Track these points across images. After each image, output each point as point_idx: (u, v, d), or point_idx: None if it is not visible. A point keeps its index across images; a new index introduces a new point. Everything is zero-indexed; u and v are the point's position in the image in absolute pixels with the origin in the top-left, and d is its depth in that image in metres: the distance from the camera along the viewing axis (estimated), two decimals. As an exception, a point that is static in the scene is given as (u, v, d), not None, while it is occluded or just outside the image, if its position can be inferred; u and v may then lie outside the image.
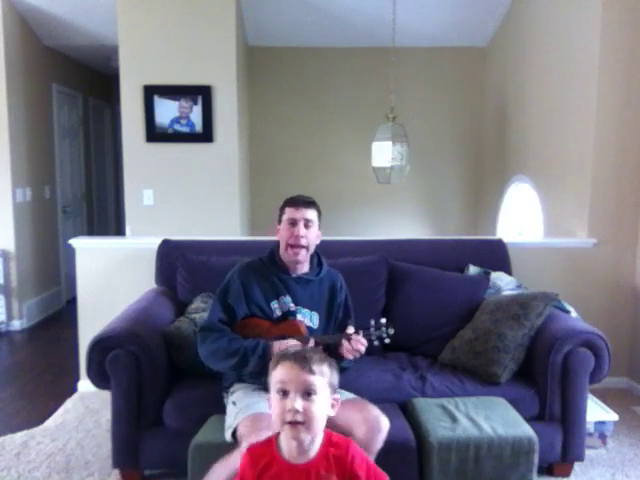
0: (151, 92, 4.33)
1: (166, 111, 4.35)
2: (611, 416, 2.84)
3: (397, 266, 3.07)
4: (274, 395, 1.46)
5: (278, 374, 1.46)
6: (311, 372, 1.44)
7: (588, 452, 2.69)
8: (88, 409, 3.29)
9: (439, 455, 2.18)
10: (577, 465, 2.65)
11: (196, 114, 4.36)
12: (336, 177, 5.65)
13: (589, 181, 3.55)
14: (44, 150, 5.43)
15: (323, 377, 1.46)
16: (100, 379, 2.42)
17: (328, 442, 1.49)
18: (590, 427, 2.78)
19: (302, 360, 1.46)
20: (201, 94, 4.34)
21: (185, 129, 4.39)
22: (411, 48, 5.30)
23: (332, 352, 2.22)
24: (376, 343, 2.21)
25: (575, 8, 3.76)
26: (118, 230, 7.29)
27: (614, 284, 3.61)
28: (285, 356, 1.49)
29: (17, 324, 4.91)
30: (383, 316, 2.92)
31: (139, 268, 3.37)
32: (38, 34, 5.20)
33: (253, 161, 5.58)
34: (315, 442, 1.48)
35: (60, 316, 5.45)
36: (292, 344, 2.13)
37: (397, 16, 4.34)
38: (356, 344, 2.15)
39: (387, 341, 2.21)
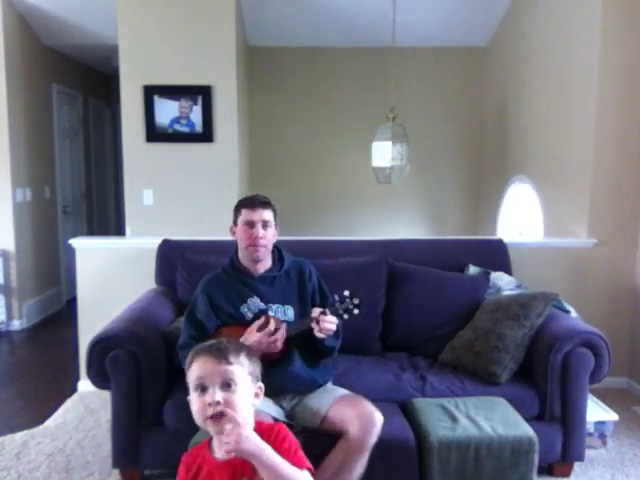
0: (151, 92, 4.32)
1: (166, 111, 4.35)
2: (611, 416, 2.84)
3: (397, 266, 3.07)
4: (192, 394, 1.41)
5: (194, 371, 1.41)
6: (228, 362, 1.39)
7: (588, 452, 2.69)
8: (88, 409, 3.29)
9: (439, 455, 2.18)
10: (577, 465, 2.65)
11: (196, 114, 4.36)
12: (336, 177, 5.65)
13: (589, 181, 3.55)
14: (44, 150, 5.43)
15: (242, 367, 1.42)
16: (100, 379, 2.42)
17: (257, 432, 1.41)
18: (590, 427, 2.78)
19: (217, 352, 1.41)
20: (201, 94, 4.34)
21: (185, 129, 4.39)
22: (411, 48, 5.30)
23: (311, 337, 2.22)
24: (346, 316, 2.19)
25: (575, 8, 3.76)
26: (118, 230, 7.29)
27: (614, 284, 3.61)
28: (198, 351, 1.43)
29: (17, 324, 4.91)
30: (383, 316, 2.95)
31: (139, 268, 3.37)
32: (38, 34, 5.20)
33: (253, 161, 5.58)
34: None
35: (60, 316, 5.45)
36: (253, 339, 2.14)
37: (397, 16, 4.34)
38: (323, 323, 2.13)
39: (356, 312, 2.18)
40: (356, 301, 2.18)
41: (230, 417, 1.34)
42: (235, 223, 2.40)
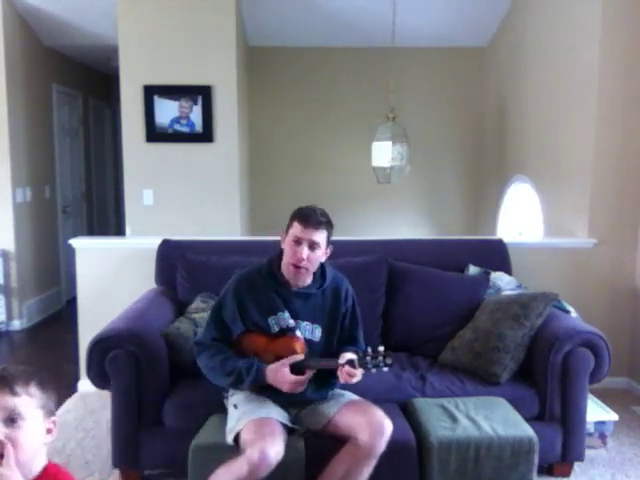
0: (151, 92, 4.32)
1: (166, 111, 4.35)
2: (611, 416, 2.84)
3: (397, 266, 3.06)
4: None
5: None
6: (14, 394, 1.20)
7: (588, 452, 2.68)
8: (88, 409, 3.29)
9: (439, 455, 2.18)
10: (577, 465, 2.65)
11: (196, 114, 4.36)
12: (336, 177, 5.65)
13: (589, 181, 3.54)
14: (44, 150, 5.43)
15: (32, 398, 1.23)
16: (100, 379, 2.42)
17: (45, 476, 1.25)
18: (590, 427, 2.78)
19: (1, 381, 1.21)
20: (201, 94, 4.34)
21: (185, 129, 4.39)
22: (411, 48, 5.30)
23: (329, 370, 2.17)
24: (373, 371, 2.08)
25: (575, 8, 3.76)
26: (118, 230, 7.28)
27: (614, 284, 3.61)
28: None
29: (17, 324, 4.91)
30: (383, 316, 2.94)
31: (139, 268, 3.37)
32: (38, 34, 5.20)
33: (253, 161, 5.58)
34: (27, 477, 1.23)
35: (60, 316, 5.45)
36: (285, 378, 2.07)
37: (397, 16, 4.34)
38: (349, 378, 2.06)
39: (385, 370, 2.07)
40: (389, 361, 2.05)
41: (6, 459, 1.16)
42: (286, 231, 2.25)
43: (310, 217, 2.20)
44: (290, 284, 2.26)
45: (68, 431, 3.02)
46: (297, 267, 2.19)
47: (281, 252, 2.29)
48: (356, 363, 2.05)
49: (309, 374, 2.12)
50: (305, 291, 2.27)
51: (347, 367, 2.05)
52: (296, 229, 2.19)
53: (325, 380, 2.24)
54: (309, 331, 2.26)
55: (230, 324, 2.24)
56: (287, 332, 2.23)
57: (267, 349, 2.21)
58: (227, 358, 2.18)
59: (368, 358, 2.05)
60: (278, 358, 2.15)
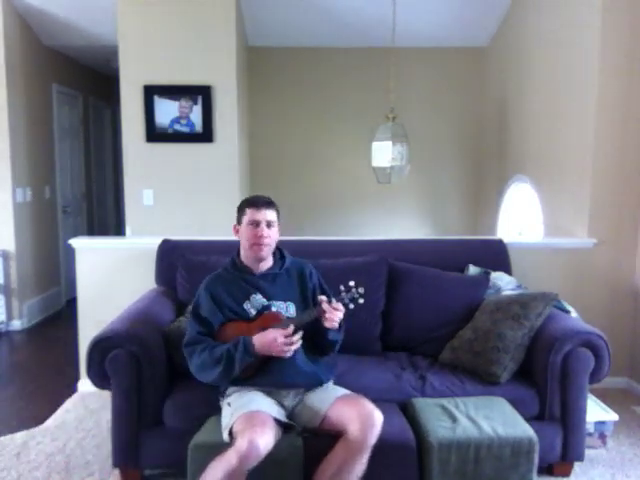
0: (151, 92, 4.33)
1: (166, 111, 4.35)
2: (611, 416, 2.84)
3: (397, 266, 3.07)
4: None
5: None
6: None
7: (588, 452, 2.69)
8: (88, 409, 3.29)
9: (439, 455, 2.18)
10: (577, 465, 2.65)
11: (196, 114, 4.36)
12: (336, 177, 5.65)
13: (589, 181, 3.54)
14: (44, 150, 5.43)
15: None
16: (100, 379, 2.42)
17: None
18: (590, 427, 2.78)
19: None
20: (201, 94, 4.34)
21: (185, 129, 4.39)
22: (411, 48, 5.30)
23: (315, 330, 2.23)
24: (351, 306, 2.21)
25: (575, 8, 3.76)
26: (118, 230, 7.29)
27: (614, 284, 3.61)
28: None
29: (17, 324, 4.91)
30: (383, 316, 2.95)
31: (139, 268, 3.37)
32: (38, 34, 5.20)
33: (253, 161, 5.58)
34: None
35: (60, 316, 5.45)
36: (271, 335, 2.15)
37: (397, 16, 4.33)
38: (331, 312, 2.16)
39: (361, 301, 2.21)
40: (361, 290, 2.20)
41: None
42: (239, 222, 2.41)
43: (259, 200, 2.39)
44: (254, 270, 2.40)
45: (68, 431, 3.03)
46: (260, 245, 2.33)
47: (238, 250, 2.44)
48: (334, 300, 2.18)
49: (299, 335, 2.18)
50: (270, 272, 2.41)
51: (326, 304, 2.16)
52: (250, 214, 2.36)
53: (313, 345, 2.31)
54: (283, 309, 2.35)
55: (209, 317, 2.33)
56: (264, 312, 2.32)
57: (251, 329, 2.27)
58: (214, 346, 2.25)
59: (343, 294, 2.20)
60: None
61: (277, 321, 2.25)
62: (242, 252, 2.43)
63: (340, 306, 2.19)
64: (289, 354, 2.18)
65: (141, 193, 4.42)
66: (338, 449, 2.07)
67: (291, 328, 2.17)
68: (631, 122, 3.48)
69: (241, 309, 2.34)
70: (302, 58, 5.54)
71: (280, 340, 2.14)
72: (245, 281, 2.39)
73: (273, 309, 2.33)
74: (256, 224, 2.34)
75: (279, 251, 2.48)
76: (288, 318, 2.29)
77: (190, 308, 2.44)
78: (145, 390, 2.42)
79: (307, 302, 2.41)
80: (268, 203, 2.38)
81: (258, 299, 2.35)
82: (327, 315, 2.17)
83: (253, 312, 2.33)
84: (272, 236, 2.37)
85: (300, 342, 2.19)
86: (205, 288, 2.40)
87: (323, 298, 2.21)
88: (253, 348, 2.16)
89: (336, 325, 2.21)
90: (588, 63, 3.56)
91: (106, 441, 2.80)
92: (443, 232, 5.69)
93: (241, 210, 2.41)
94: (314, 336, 2.28)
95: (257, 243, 2.33)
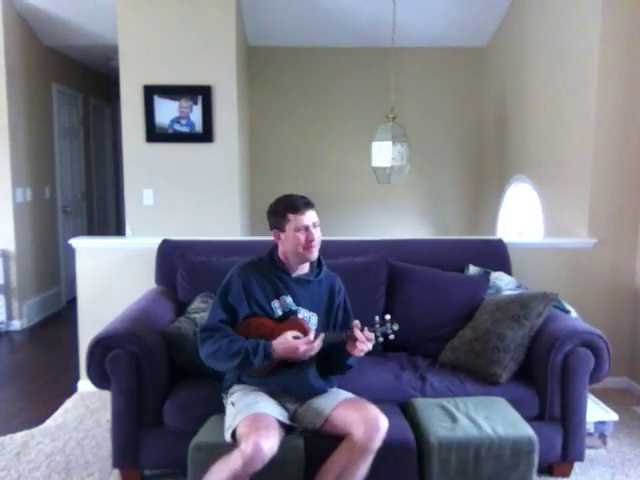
0: (151, 92, 4.32)
1: (166, 111, 4.35)
2: (611, 416, 2.84)
3: (397, 266, 3.07)
4: None
5: None
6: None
7: (588, 452, 2.69)
8: (88, 409, 3.29)
9: (439, 455, 2.18)
10: (577, 465, 2.65)
11: (196, 114, 4.36)
12: (336, 177, 5.66)
13: (589, 181, 3.54)
14: (44, 150, 5.43)
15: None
16: (100, 379, 2.42)
17: None
18: (590, 427, 2.78)
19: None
20: (201, 94, 4.34)
21: (185, 129, 4.39)
22: (411, 48, 5.30)
23: (336, 351, 2.21)
24: (380, 339, 2.18)
25: (575, 8, 3.76)
26: (118, 230, 7.29)
27: (614, 284, 3.61)
28: None
29: (17, 324, 4.91)
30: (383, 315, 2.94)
31: (139, 268, 3.37)
32: (38, 34, 5.20)
33: (253, 161, 5.58)
34: None
35: (60, 316, 5.45)
36: (293, 344, 2.11)
37: (397, 16, 4.33)
38: (362, 344, 2.12)
39: (391, 337, 2.17)
40: (395, 327, 2.16)
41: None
42: (280, 229, 2.30)
43: (299, 202, 2.28)
44: (289, 270, 2.33)
45: (68, 431, 3.03)
46: (312, 248, 2.27)
47: (276, 246, 2.37)
48: (366, 330, 2.13)
49: (320, 339, 2.15)
50: (304, 278, 2.34)
51: (359, 333, 2.12)
52: (295, 220, 2.26)
53: (326, 369, 2.28)
54: (307, 318, 2.31)
55: (236, 305, 2.27)
56: (290, 316, 2.28)
57: (274, 331, 2.22)
58: (234, 340, 2.19)
59: (377, 326, 2.16)
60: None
61: (303, 331, 2.18)
62: (283, 252, 2.33)
63: (372, 336, 2.15)
64: (308, 357, 2.15)
65: (141, 193, 4.42)
66: (341, 452, 2.06)
67: (311, 335, 2.13)
68: (631, 122, 3.48)
69: (269, 306, 2.29)
70: (302, 58, 5.54)
71: (302, 349, 2.11)
72: (279, 279, 2.32)
73: (300, 315, 2.28)
74: (305, 229, 2.25)
75: (318, 258, 2.38)
76: (316, 331, 2.22)
77: (219, 291, 2.33)
78: (145, 390, 2.42)
79: (330, 317, 2.37)
80: (308, 204, 2.29)
81: (288, 301, 2.30)
82: (358, 343, 2.13)
83: (279, 313, 2.29)
84: (319, 238, 2.31)
85: (319, 348, 2.15)
86: (239, 274, 2.31)
87: (357, 323, 2.15)
88: (273, 354, 2.13)
89: (362, 354, 2.17)
90: (588, 63, 3.56)
91: (106, 441, 2.81)
92: (443, 232, 5.69)
93: (280, 215, 2.29)
94: (332, 355, 2.24)
95: (309, 247, 2.26)
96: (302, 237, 2.25)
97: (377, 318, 2.19)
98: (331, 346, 2.20)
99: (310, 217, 2.27)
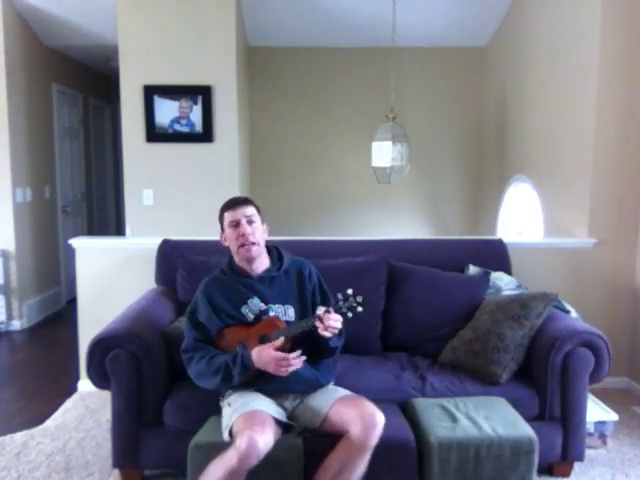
0: (151, 92, 4.33)
1: (166, 111, 4.35)
2: (611, 416, 2.84)
3: (397, 266, 3.07)
4: None
5: None
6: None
7: (588, 452, 2.69)
8: (88, 409, 3.29)
9: (439, 455, 2.18)
10: (577, 465, 2.65)
11: (196, 114, 4.36)
12: (336, 177, 5.65)
13: (589, 181, 3.54)
14: (44, 150, 5.43)
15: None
16: (100, 379, 2.42)
17: None
18: (590, 427, 2.78)
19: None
20: (201, 94, 4.34)
21: (185, 129, 4.39)
22: (411, 48, 5.31)
23: (315, 337, 2.19)
24: (350, 315, 2.12)
25: (575, 8, 3.76)
26: (118, 230, 7.29)
27: (614, 284, 3.61)
28: None
29: (17, 324, 4.91)
30: (383, 316, 2.95)
31: (139, 268, 3.37)
32: (38, 34, 5.20)
33: (253, 161, 5.58)
34: None
35: (60, 316, 5.45)
36: (267, 356, 2.09)
37: (397, 16, 4.34)
38: (328, 321, 2.09)
39: (360, 309, 2.11)
40: (359, 299, 2.13)
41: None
42: (222, 230, 2.37)
43: (233, 200, 2.36)
44: (250, 273, 2.35)
45: (68, 431, 3.03)
46: (245, 245, 2.28)
47: (232, 256, 2.39)
48: (331, 310, 2.10)
49: (300, 359, 2.12)
50: (267, 275, 2.36)
51: (324, 314, 2.08)
52: (228, 217, 2.32)
53: (313, 351, 2.26)
54: (281, 313, 2.32)
55: (205, 322, 2.31)
56: (262, 316, 2.29)
57: (250, 334, 2.25)
58: (212, 356, 2.22)
59: (341, 303, 2.10)
60: (263, 341, 2.20)
61: (275, 327, 2.21)
62: (235, 257, 2.39)
63: (338, 316, 2.11)
64: (286, 374, 2.12)
65: (141, 193, 4.42)
66: (339, 450, 2.06)
67: (297, 360, 2.11)
68: (631, 122, 3.48)
69: (239, 313, 2.32)
70: (302, 58, 5.54)
71: (272, 367, 2.09)
72: (242, 285, 2.35)
73: (271, 313, 2.31)
74: (236, 224, 2.29)
75: (277, 251, 2.43)
76: (287, 323, 2.26)
77: (188, 310, 2.41)
78: (145, 390, 2.42)
79: (306, 304, 2.37)
80: (244, 201, 2.34)
81: (256, 303, 2.32)
82: (325, 324, 2.09)
83: (251, 316, 2.31)
84: (257, 233, 2.30)
85: (300, 364, 2.13)
86: (202, 292, 2.37)
87: (321, 308, 2.15)
88: (251, 363, 2.13)
89: (334, 334, 2.15)
90: (588, 63, 3.56)
91: (106, 441, 2.81)
92: (443, 232, 5.69)
93: (220, 217, 2.37)
94: (314, 342, 2.24)
95: (243, 243, 2.28)
96: (235, 233, 2.29)
97: (339, 295, 2.14)
98: (307, 335, 2.18)
99: (242, 211, 2.30)
